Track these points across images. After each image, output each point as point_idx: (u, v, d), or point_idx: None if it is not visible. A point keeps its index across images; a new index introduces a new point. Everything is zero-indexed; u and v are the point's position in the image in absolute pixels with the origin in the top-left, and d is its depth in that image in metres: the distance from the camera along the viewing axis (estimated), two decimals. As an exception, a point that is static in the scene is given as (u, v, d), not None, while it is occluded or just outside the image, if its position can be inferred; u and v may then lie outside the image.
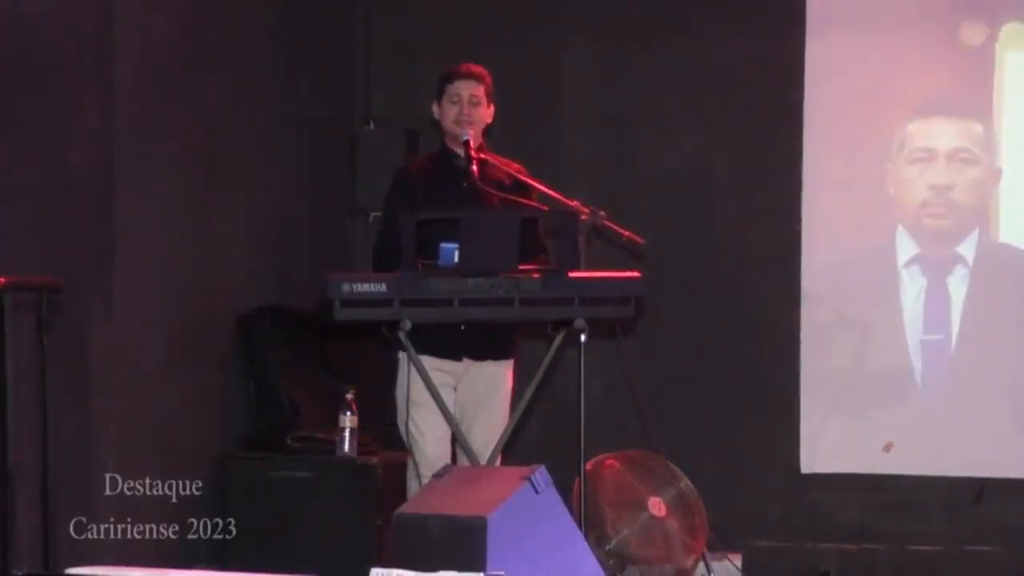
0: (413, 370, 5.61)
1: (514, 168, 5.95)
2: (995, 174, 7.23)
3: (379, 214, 6.24)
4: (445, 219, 5.48)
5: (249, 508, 6.13)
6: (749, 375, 7.41)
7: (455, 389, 5.93)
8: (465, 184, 5.76)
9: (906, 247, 7.30)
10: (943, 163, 7.27)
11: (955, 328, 7.26)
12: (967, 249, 7.27)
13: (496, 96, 5.99)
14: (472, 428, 5.90)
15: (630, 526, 6.28)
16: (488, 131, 6.05)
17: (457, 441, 5.83)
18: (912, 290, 7.31)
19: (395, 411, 5.88)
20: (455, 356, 5.88)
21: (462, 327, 5.72)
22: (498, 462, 5.79)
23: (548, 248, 5.88)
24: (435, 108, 5.99)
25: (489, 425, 5.87)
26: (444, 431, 5.83)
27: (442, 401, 5.68)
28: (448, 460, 5.81)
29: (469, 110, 5.90)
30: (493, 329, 5.80)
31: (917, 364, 7.29)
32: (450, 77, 5.95)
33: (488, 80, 5.97)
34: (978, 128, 7.24)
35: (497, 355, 5.94)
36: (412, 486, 5.83)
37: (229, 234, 6.53)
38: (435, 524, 4.66)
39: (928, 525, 7.23)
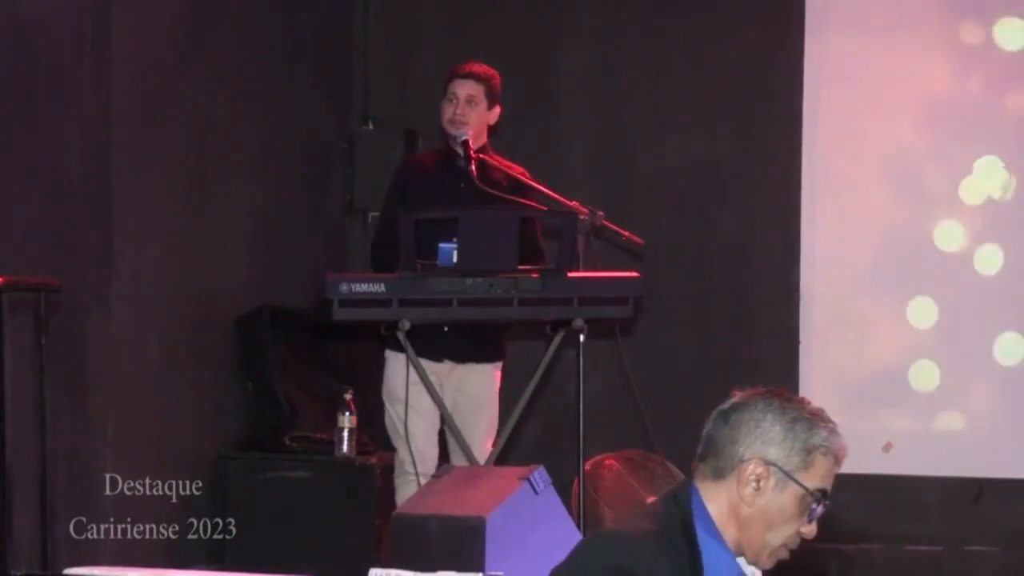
0: (407, 368, 5.59)
1: (516, 170, 5.89)
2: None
3: (377, 214, 6.23)
4: (444, 219, 5.47)
5: (248, 508, 6.12)
6: (749, 375, 7.32)
7: (439, 389, 5.88)
8: (463, 185, 5.71)
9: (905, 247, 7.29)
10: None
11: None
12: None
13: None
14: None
15: (629, 526, 6.26)
16: (492, 131, 6.00)
17: (446, 441, 5.83)
18: (911, 290, 7.29)
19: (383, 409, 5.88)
20: (436, 357, 5.81)
21: (445, 328, 5.67)
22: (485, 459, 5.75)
23: (546, 250, 5.84)
24: (441, 108, 5.93)
25: (469, 430, 5.79)
26: (431, 430, 5.81)
27: (439, 397, 5.67)
28: (435, 459, 5.81)
29: (464, 110, 5.79)
30: (477, 331, 5.76)
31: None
32: (450, 76, 5.88)
33: (493, 81, 5.86)
34: (977, 128, 7.22)
35: (481, 358, 5.89)
36: (399, 484, 5.82)
37: (227, 234, 6.52)
38: (434, 524, 4.66)
39: (928, 525, 7.22)
